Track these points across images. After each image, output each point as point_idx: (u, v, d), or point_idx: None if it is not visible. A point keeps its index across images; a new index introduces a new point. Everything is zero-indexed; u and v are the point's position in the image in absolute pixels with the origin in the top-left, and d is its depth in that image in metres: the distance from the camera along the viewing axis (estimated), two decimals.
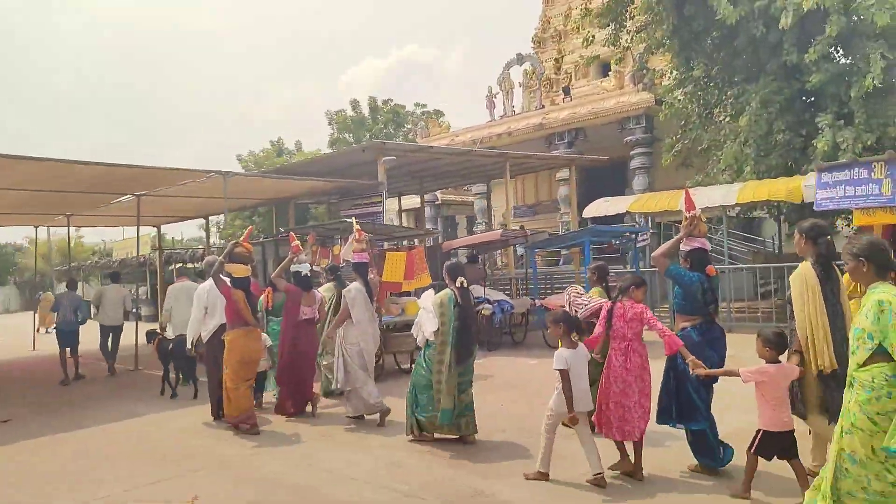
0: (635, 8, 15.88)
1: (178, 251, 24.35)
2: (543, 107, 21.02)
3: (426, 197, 22.35)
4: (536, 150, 18.77)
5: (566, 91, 21.52)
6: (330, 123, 33.68)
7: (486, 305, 10.39)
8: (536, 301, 10.95)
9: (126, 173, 9.86)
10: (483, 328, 10.83)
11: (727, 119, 14.61)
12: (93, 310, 11.27)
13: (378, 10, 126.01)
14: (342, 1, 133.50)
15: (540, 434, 4.70)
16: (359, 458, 5.38)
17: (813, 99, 13.25)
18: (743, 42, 13.38)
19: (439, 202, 25.59)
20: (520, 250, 17.32)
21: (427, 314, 5.66)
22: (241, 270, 6.50)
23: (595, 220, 14.14)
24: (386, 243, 10.57)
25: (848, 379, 3.28)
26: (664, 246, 4.88)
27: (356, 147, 11.94)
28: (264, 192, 11.47)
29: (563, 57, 24.83)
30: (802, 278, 4.09)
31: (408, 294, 9.35)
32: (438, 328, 5.52)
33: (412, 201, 23.20)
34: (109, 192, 11.35)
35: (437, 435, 5.67)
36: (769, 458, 4.14)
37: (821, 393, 4.10)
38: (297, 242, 7.35)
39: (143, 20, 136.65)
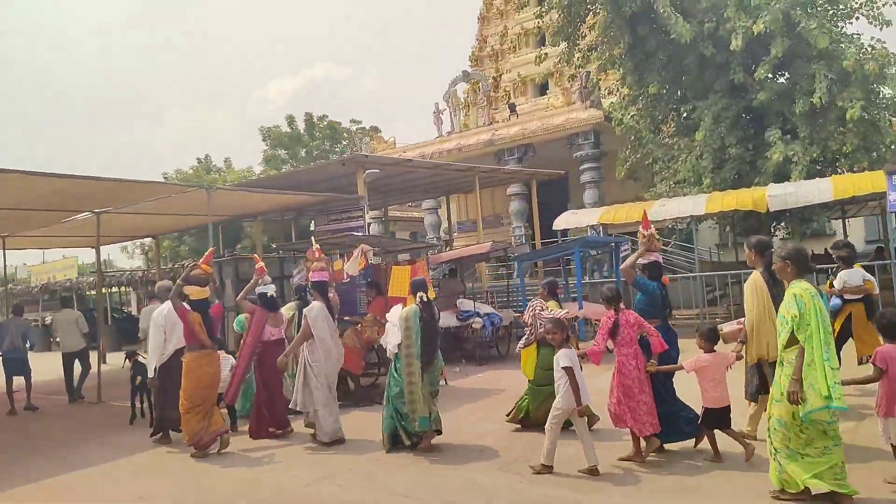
0: (587, 27, 16.53)
1: (111, 273, 22.69)
2: (491, 123, 21.34)
3: (373, 213, 22.07)
4: (486, 165, 19.00)
5: (512, 108, 21.96)
6: (264, 139, 32.72)
7: (477, 319, 10.33)
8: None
9: (94, 187, 8.98)
10: (473, 342, 10.77)
11: (677, 134, 15.37)
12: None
13: (284, 30, 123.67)
14: (247, 22, 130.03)
15: (546, 430, 4.99)
16: (425, 479, 5.15)
17: (756, 116, 14.20)
18: (691, 62, 14.20)
19: (385, 218, 25.36)
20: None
21: (393, 328, 5.89)
22: (197, 293, 6.45)
23: (556, 232, 14.40)
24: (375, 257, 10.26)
25: (778, 358, 4.08)
26: (630, 259, 5.56)
27: (335, 160, 11.65)
28: (242, 207, 10.89)
29: (500, 75, 25.40)
30: (753, 284, 4.87)
31: None
32: (403, 341, 5.74)
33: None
34: (63, 210, 10.41)
35: (407, 443, 5.81)
36: (711, 429, 4.99)
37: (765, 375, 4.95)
38: (262, 264, 7.28)
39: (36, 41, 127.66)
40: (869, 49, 12.87)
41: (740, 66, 13.53)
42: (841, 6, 14.04)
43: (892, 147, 13.13)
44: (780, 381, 3.98)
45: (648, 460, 5.10)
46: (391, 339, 5.90)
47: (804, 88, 12.86)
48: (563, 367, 4.94)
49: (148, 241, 30.06)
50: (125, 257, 35.68)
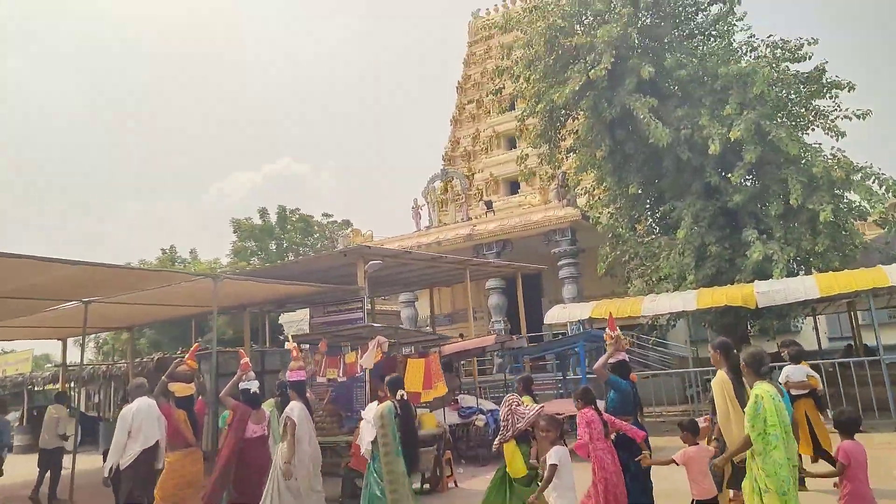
0: (566, 131, 17.44)
1: (72, 368, 21.35)
2: (470, 219, 21.82)
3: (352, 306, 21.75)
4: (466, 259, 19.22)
5: (488, 205, 22.59)
6: (235, 231, 32.41)
7: (480, 416, 10.04)
8: None
9: (98, 274, 8.47)
10: (475, 440, 10.41)
11: (657, 233, 15.96)
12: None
13: (245, 126, 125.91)
14: (204, 118, 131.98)
15: None
16: None
17: (731, 216, 14.91)
18: (669, 164, 15.01)
19: (372, 310, 25.05)
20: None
21: (367, 425, 5.81)
22: (183, 389, 6.34)
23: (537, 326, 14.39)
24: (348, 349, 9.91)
25: (749, 452, 4.24)
26: (602, 359, 5.90)
27: (337, 251, 11.59)
28: (238, 297, 10.50)
29: (473, 174, 26.32)
30: (721, 384, 5.10)
31: (424, 406, 8.81)
32: (380, 440, 5.66)
33: None
34: (50, 299, 9.90)
35: None
36: None
37: (731, 470, 5.11)
38: (247, 359, 7.19)
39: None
40: (831, 157, 13.90)
41: (714, 170, 14.36)
42: (799, 119, 15.31)
43: (860, 248, 13.89)
44: (758, 475, 4.13)
45: None
46: (365, 436, 5.79)
47: (776, 192, 13.67)
48: (550, 464, 4.99)
49: (104, 334, 28.76)
50: (76, 350, 33.81)
